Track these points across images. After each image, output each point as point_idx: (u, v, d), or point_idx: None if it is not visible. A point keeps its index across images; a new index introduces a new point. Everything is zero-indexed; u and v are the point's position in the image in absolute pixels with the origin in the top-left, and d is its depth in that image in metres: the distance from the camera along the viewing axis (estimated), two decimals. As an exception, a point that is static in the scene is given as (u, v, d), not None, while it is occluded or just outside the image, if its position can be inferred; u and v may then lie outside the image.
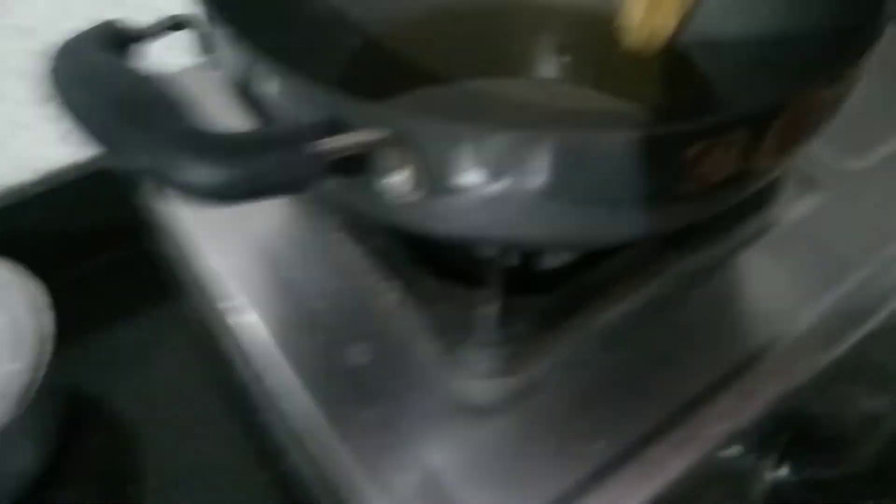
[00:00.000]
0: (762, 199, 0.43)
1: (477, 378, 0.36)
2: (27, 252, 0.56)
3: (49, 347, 0.51)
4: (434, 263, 0.40)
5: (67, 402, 0.56)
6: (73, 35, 0.29)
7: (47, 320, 0.52)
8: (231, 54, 0.31)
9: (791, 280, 0.41)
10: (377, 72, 0.46)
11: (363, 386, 0.36)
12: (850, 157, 0.46)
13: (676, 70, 0.45)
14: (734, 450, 0.37)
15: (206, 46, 0.34)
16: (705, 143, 0.26)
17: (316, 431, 0.36)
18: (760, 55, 0.40)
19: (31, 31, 0.55)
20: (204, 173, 0.23)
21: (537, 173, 0.27)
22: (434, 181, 0.28)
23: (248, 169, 0.23)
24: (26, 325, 0.51)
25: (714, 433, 0.35)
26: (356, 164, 0.27)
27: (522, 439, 0.35)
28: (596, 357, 0.37)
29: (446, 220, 0.31)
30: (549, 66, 0.48)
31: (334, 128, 0.27)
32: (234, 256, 0.43)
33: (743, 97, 0.40)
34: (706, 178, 0.28)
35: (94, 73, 0.27)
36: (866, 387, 0.46)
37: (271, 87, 0.30)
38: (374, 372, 0.37)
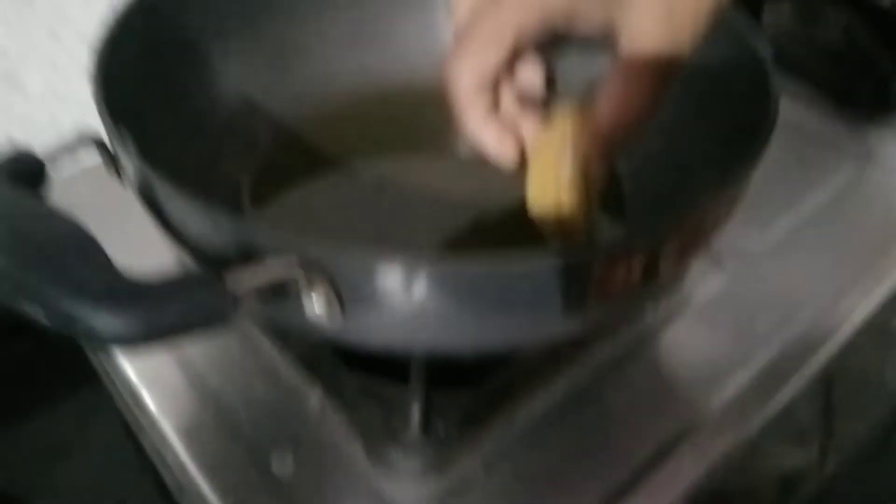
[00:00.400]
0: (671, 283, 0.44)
1: (404, 480, 0.36)
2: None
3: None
4: (356, 362, 0.40)
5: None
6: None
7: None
8: (134, 172, 0.31)
9: (706, 358, 0.43)
10: (291, 162, 0.46)
11: (286, 497, 0.36)
12: (754, 233, 0.49)
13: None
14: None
15: (112, 161, 0.34)
16: (611, 263, 0.27)
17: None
18: (659, 150, 0.42)
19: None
20: (109, 323, 0.22)
21: (444, 296, 0.27)
22: (346, 304, 0.28)
23: (159, 316, 0.23)
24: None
25: (638, 525, 0.35)
26: (269, 293, 0.27)
27: (451, 541, 0.35)
28: (519, 452, 0.38)
29: (361, 334, 0.31)
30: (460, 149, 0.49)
31: (244, 255, 0.27)
32: (151, 361, 0.42)
33: (644, 195, 0.42)
34: (611, 294, 0.29)
35: (-6, 209, 0.26)
36: (780, 455, 0.48)
37: (175, 207, 0.30)
38: (298, 481, 0.36)
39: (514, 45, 0.31)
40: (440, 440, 0.37)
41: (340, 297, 0.27)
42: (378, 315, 0.28)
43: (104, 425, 0.60)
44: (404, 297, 0.27)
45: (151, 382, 0.41)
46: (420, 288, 0.27)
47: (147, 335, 0.23)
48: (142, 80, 0.37)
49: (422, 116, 0.48)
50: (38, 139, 0.56)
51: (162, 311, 0.23)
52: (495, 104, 0.34)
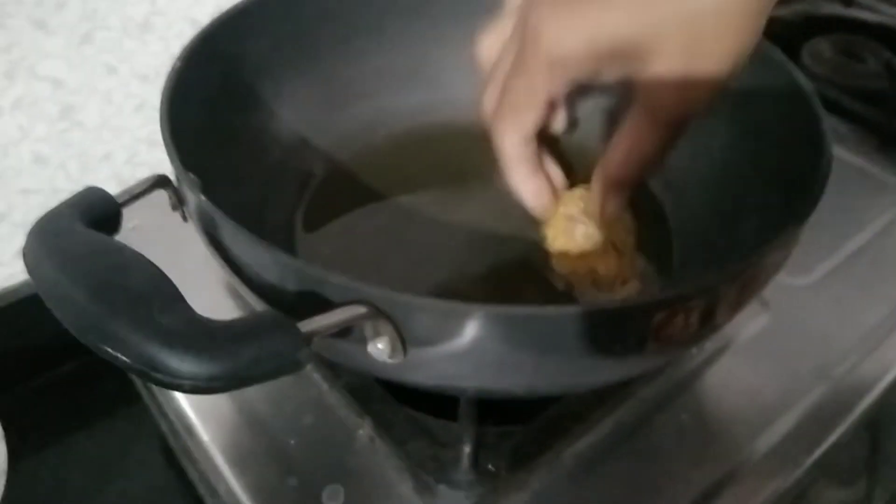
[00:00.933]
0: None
1: (453, 517, 0.37)
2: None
3: (2, 481, 0.49)
4: (406, 394, 0.40)
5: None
6: (52, 208, 0.29)
7: (0, 452, 0.51)
8: (199, 213, 0.32)
9: (751, 399, 0.43)
10: (341, 195, 0.47)
11: (338, 530, 0.36)
12: (797, 275, 0.49)
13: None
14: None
15: (179, 201, 0.35)
16: (671, 311, 0.27)
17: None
18: (713, 199, 0.43)
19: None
20: (191, 369, 0.23)
21: (504, 340, 0.28)
22: (409, 346, 0.28)
23: (236, 361, 0.24)
24: (-21, 460, 0.50)
25: (687, 567, 0.35)
26: (340, 335, 0.28)
27: (500, 580, 0.35)
28: (567, 490, 0.38)
29: (420, 374, 0.31)
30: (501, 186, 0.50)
31: (312, 299, 0.28)
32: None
33: (693, 241, 0.42)
34: (672, 338, 0.29)
35: (73, 253, 0.27)
36: (830, 489, 0.48)
37: (240, 250, 0.31)
38: (350, 514, 0.37)
39: (548, 103, 0.33)
40: (490, 476, 0.37)
41: (403, 340, 0.28)
42: (437, 357, 0.29)
43: (145, 450, 0.62)
44: (463, 342, 0.28)
45: (203, 412, 0.41)
46: (478, 333, 0.28)
47: (226, 380, 0.24)
48: (204, 119, 0.39)
49: (464, 153, 0.49)
50: (94, 173, 0.58)
51: (240, 356, 0.24)
52: (538, 156, 0.36)
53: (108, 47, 0.55)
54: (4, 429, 0.51)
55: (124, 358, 0.24)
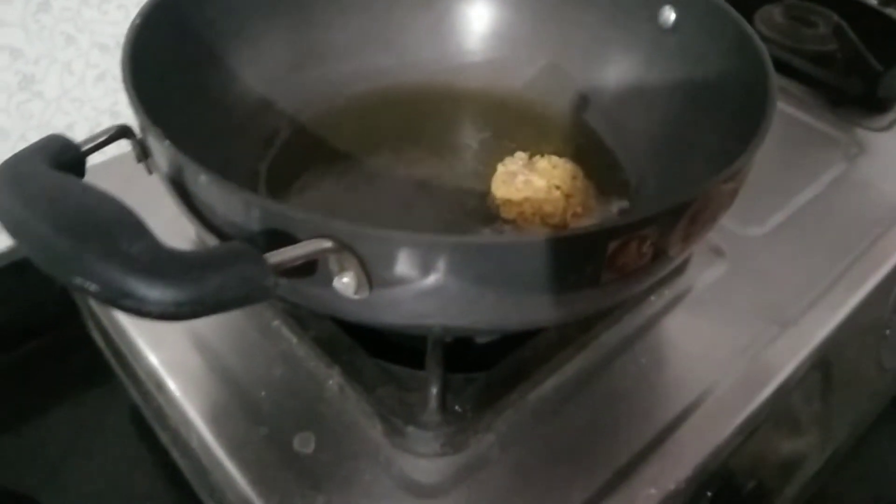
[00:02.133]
0: (675, 269, 0.46)
1: (423, 458, 0.38)
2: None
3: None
4: (374, 346, 0.41)
5: (1, 500, 0.54)
6: (15, 153, 0.30)
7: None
8: (165, 160, 0.32)
9: (707, 342, 0.44)
10: (304, 154, 0.48)
11: (309, 474, 0.37)
12: (751, 225, 0.51)
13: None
14: (665, 510, 0.39)
15: (143, 152, 0.35)
16: (625, 238, 0.28)
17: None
18: (669, 145, 0.44)
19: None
20: (158, 295, 0.24)
21: (466, 272, 0.29)
22: (374, 281, 0.29)
23: (202, 287, 0.24)
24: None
25: (647, 498, 0.37)
26: (306, 270, 0.28)
27: (469, 517, 0.36)
28: (532, 431, 0.39)
29: (388, 312, 0.32)
30: (467, 144, 0.51)
31: (278, 238, 0.28)
32: (170, 348, 0.43)
33: (650, 183, 0.44)
34: (625, 268, 0.30)
35: (41, 190, 0.27)
36: (784, 434, 0.50)
37: (207, 193, 0.31)
38: (320, 459, 0.38)
39: None
40: (457, 417, 0.38)
41: (368, 274, 0.29)
42: (402, 293, 0.30)
43: (117, 423, 0.62)
44: (426, 275, 0.29)
45: (174, 369, 0.42)
46: (441, 265, 0.29)
47: (193, 305, 0.24)
48: (167, 75, 0.39)
49: (422, 114, 0.51)
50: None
51: (208, 283, 0.24)
52: None
53: (66, 16, 0.55)
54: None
55: (94, 286, 0.24)
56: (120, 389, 0.59)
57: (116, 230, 0.25)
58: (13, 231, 0.27)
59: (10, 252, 0.62)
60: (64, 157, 0.30)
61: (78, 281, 0.25)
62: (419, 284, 0.29)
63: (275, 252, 0.26)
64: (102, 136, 0.33)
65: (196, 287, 0.24)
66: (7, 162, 0.29)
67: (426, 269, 0.29)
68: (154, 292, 0.24)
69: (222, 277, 0.25)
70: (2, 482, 0.55)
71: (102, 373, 0.61)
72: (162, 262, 0.25)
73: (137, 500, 0.57)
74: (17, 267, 0.62)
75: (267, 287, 0.26)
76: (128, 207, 0.27)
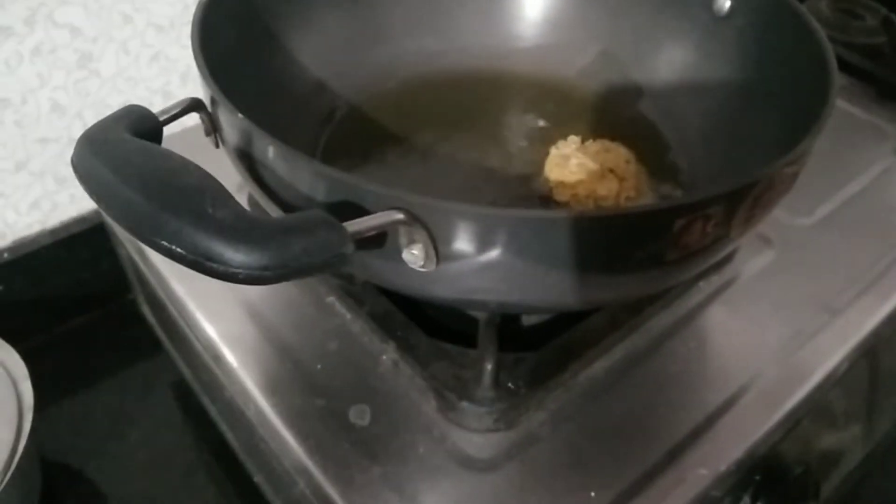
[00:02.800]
0: (724, 257, 0.46)
1: (475, 433, 0.38)
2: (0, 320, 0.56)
3: (29, 417, 0.51)
4: (427, 324, 0.42)
5: (48, 471, 0.56)
6: (97, 121, 0.31)
7: (27, 391, 0.52)
8: (236, 132, 0.33)
9: (755, 329, 0.45)
10: (360, 134, 0.49)
11: (364, 446, 0.38)
12: (799, 215, 0.51)
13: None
14: (714, 492, 0.39)
15: (212, 125, 0.36)
16: (691, 216, 0.29)
17: (318, 493, 0.37)
18: (721, 132, 0.45)
19: (6, 101, 0.56)
20: (244, 259, 0.25)
21: (532, 246, 0.30)
22: (441, 255, 0.30)
23: (286, 252, 0.25)
24: (5, 398, 0.51)
25: (697, 479, 0.37)
26: (377, 242, 0.29)
27: (519, 491, 0.37)
28: (582, 410, 0.40)
29: (452, 286, 0.33)
30: (518, 128, 0.51)
31: (349, 209, 0.29)
32: (228, 321, 0.44)
33: (701, 169, 0.44)
34: (689, 247, 0.31)
35: (125, 158, 0.28)
36: (830, 422, 0.50)
37: (279, 165, 0.32)
38: (374, 432, 0.38)
39: None
40: (510, 394, 0.39)
41: (437, 248, 0.30)
42: (467, 267, 0.31)
43: (161, 399, 0.63)
44: (493, 249, 0.30)
45: (231, 341, 0.43)
46: (509, 239, 0.29)
47: (277, 269, 0.25)
48: (232, 52, 0.40)
49: (476, 97, 0.51)
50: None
51: (291, 248, 0.25)
52: None
53: (124, -3, 0.56)
54: (29, 374, 0.52)
55: (179, 250, 0.25)
56: (166, 365, 0.60)
57: (202, 195, 0.26)
58: (99, 195, 0.28)
59: (60, 228, 0.63)
60: (143, 126, 0.31)
61: (165, 244, 0.25)
62: (485, 258, 0.30)
63: (352, 221, 0.27)
64: (176, 109, 0.34)
65: (280, 252, 0.25)
66: (90, 129, 0.30)
67: (493, 242, 0.29)
68: (239, 256, 0.25)
69: (305, 243, 0.26)
70: (50, 454, 0.57)
71: (149, 348, 0.62)
72: (247, 227, 0.25)
73: (182, 472, 0.58)
74: (66, 243, 0.63)
75: (346, 254, 0.26)
76: (211, 175, 0.28)
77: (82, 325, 0.66)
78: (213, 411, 0.53)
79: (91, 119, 0.59)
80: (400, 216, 0.28)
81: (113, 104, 0.60)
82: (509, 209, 0.28)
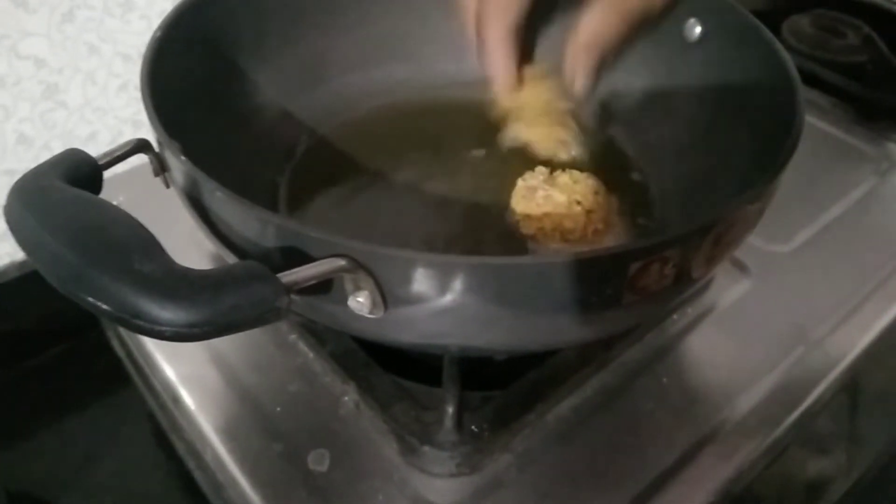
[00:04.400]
0: (699, 287, 0.45)
1: (438, 478, 0.37)
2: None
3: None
4: (391, 362, 0.41)
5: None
6: (32, 168, 0.30)
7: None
8: (181, 175, 0.32)
9: (731, 362, 0.43)
10: (324, 167, 0.48)
11: (322, 493, 0.36)
12: (777, 242, 0.49)
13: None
14: (687, 535, 0.38)
15: (161, 166, 0.35)
16: (647, 260, 0.28)
17: (276, 542, 0.36)
18: (694, 160, 0.44)
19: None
20: (171, 316, 0.24)
21: (483, 292, 0.28)
22: (390, 300, 0.29)
23: (215, 308, 0.24)
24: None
25: (669, 523, 0.36)
26: (322, 288, 0.28)
27: (486, 539, 0.35)
28: (550, 452, 0.38)
29: (403, 331, 0.32)
30: (486, 157, 0.50)
31: (293, 255, 0.28)
32: (186, 361, 0.43)
33: (674, 198, 0.43)
34: (647, 289, 0.29)
35: (55, 209, 0.27)
36: (810, 455, 0.48)
37: (222, 210, 0.31)
38: (334, 478, 0.37)
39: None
40: (473, 437, 0.38)
41: (384, 294, 0.28)
42: (418, 312, 0.30)
43: (133, 431, 0.62)
44: (442, 295, 0.29)
45: (190, 382, 0.42)
46: (458, 285, 0.28)
47: (205, 326, 0.24)
48: (186, 88, 0.39)
49: (441, 127, 0.50)
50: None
51: (220, 303, 0.24)
52: (515, 47, 0.46)
53: (90, 26, 0.55)
54: (-1, 408, 0.51)
55: (105, 307, 0.24)
56: (138, 397, 0.59)
57: (129, 249, 0.25)
58: (27, 248, 0.27)
59: (29, 261, 0.62)
60: (81, 171, 0.30)
61: (90, 300, 0.24)
62: (435, 304, 0.29)
63: (289, 272, 0.26)
64: (120, 151, 0.33)
65: (208, 308, 0.24)
66: (24, 177, 0.29)
67: (442, 289, 0.28)
68: (165, 313, 0.24)
69: (235, 298, 0.24)
70: (21, 487, 0.56)
71: (122, 380, 0.61)
72: (174, 283, 0.24)
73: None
74: (36, 276, 0.62)
75: (279, 308, 0.25)
76: (142, 225, 0.27)
77: (52, 358, 0.65)
78: (179, 448, 0.52)
79: (59, 149, 0.58)
80: (342, 262, 0.27)
81: (81, 135, 0.59)
82: (452, 255, 0.27)
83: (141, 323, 0.24)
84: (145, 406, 0.58)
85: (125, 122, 0.61)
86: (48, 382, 0.64)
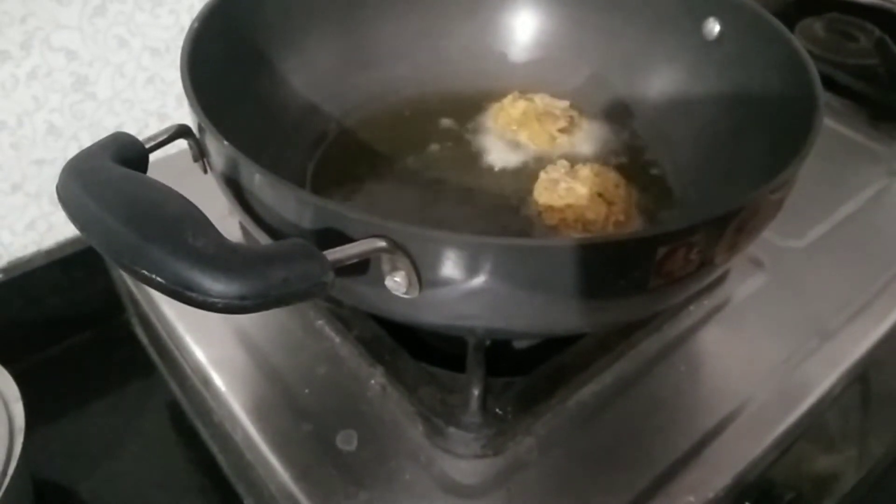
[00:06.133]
0: (715, 280, 0.46)
1: (463, 459, 0.38)
2: (-6, 340, 0.56)
3: (20, 440, 0.50)
4: (416, 348, 0.42)
5: (39, 492, 0.55)
6: (83, 148, 0.31)
7: (18, 412, 0.52)
8: (222, 159, 0.33)
9: (746, 353, 0.44)
10: (351, 154, 0.49)
11: (350, 471, 0.38)
12: (791, 238, 0.51)
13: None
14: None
15: (199, 152, 0.36)
16: (674, 244, 0.29)
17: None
18: (712, 154, 0.45)
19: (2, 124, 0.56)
20: (223, 288, 0.25)
21: (514, 274, 0.30)
22: (424, 281, 0.30)
23: (265, 281, 0.25)
24: (-4, 418, 0.51)
25: (686, 505, 0.37)
26: (359, 269, 0.29)
27: (507, 519, 0.36)
28: (571, 435, 0.40)
29: (436, 312, 0.33)
30: (510, 153, 0.51)
31: (332, 237, 0.29)
32: (217, 345, 0.44)
33: (692, 192, 0.44)
34: (672, 274, 0.31)
35: (108, 186, 0.28)
36: (822, 446, 0.49)
37: (264, 193, 0.32)
38: (362, 457, 0.38)
39: None
40: (497, 419, 0.39)
41: (419, 274, 0.30)
42: (450, 293, 0.31)
43: (154, 418, 0.63)
44: (475, 276, 0.30)
45: (220, 365, 0.43)
46: (490, 266, 0.29)
47: (256, 299, 0.25)
48: (221, 78, 0.40)
49: (464, 118, 0.51)
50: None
51: (271, 277, 0.25)
52: None
53: (120, 20, 0.57)
54: (22, 395, 0.52)
55: (159, 279, 0.25)
56: (159, 385, 0.60)
57: (182, 224, 0.26)
58: (82, 224, 0.28)
59: (55, 249, 0.63)
60: (128, 153, 0.31)
61: (146, 273, 0.26)
62: (468, 285, 0.30)
63: (333, 250, 0.27)
64: (163, 135, 0.34)
65: (259, 281, 0.25)
66: (75, 157, 0.30)
67: (477, 269, 0.29)
68: (218, 285, 0.25)
69: (285, 272, 0.26)
70: (43, 474, 0.57)
71: (143, 368, 0.62)
72: (226, 257, 0.25)
73: (175, 493, 0.58)
74: (62, 263, 0.64)
75: (325, 283, 0.26)
76: (193, 203, 0.28)
77: (76, 346, 0.66)
78: (204, 433, 0.53)
79: (87, 140, 0.59)
80: (382, 244, 0.28)
81: (109, 126, 0.60)
82: (490, 237, 0.28)
83: (194, 295, 0.25)
84: (166, 394, 0.59)
85: (151, 115, 0.62)
86: (71, 370, 0.65)
